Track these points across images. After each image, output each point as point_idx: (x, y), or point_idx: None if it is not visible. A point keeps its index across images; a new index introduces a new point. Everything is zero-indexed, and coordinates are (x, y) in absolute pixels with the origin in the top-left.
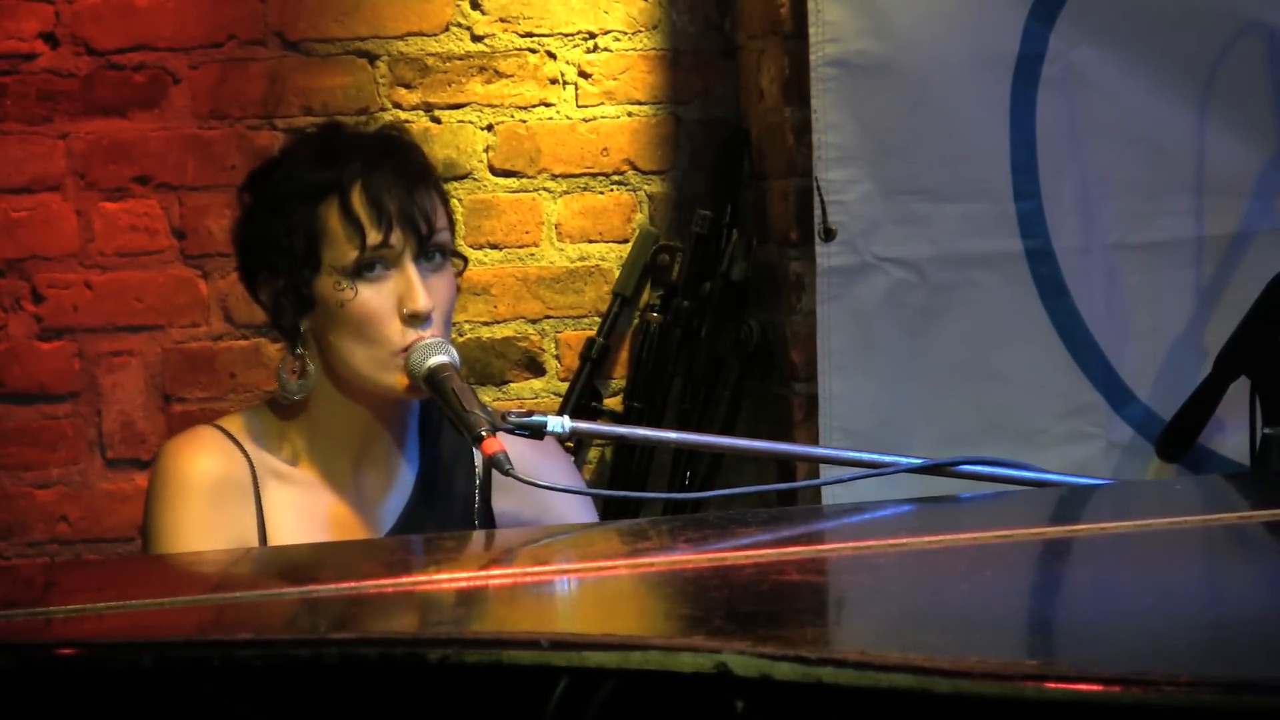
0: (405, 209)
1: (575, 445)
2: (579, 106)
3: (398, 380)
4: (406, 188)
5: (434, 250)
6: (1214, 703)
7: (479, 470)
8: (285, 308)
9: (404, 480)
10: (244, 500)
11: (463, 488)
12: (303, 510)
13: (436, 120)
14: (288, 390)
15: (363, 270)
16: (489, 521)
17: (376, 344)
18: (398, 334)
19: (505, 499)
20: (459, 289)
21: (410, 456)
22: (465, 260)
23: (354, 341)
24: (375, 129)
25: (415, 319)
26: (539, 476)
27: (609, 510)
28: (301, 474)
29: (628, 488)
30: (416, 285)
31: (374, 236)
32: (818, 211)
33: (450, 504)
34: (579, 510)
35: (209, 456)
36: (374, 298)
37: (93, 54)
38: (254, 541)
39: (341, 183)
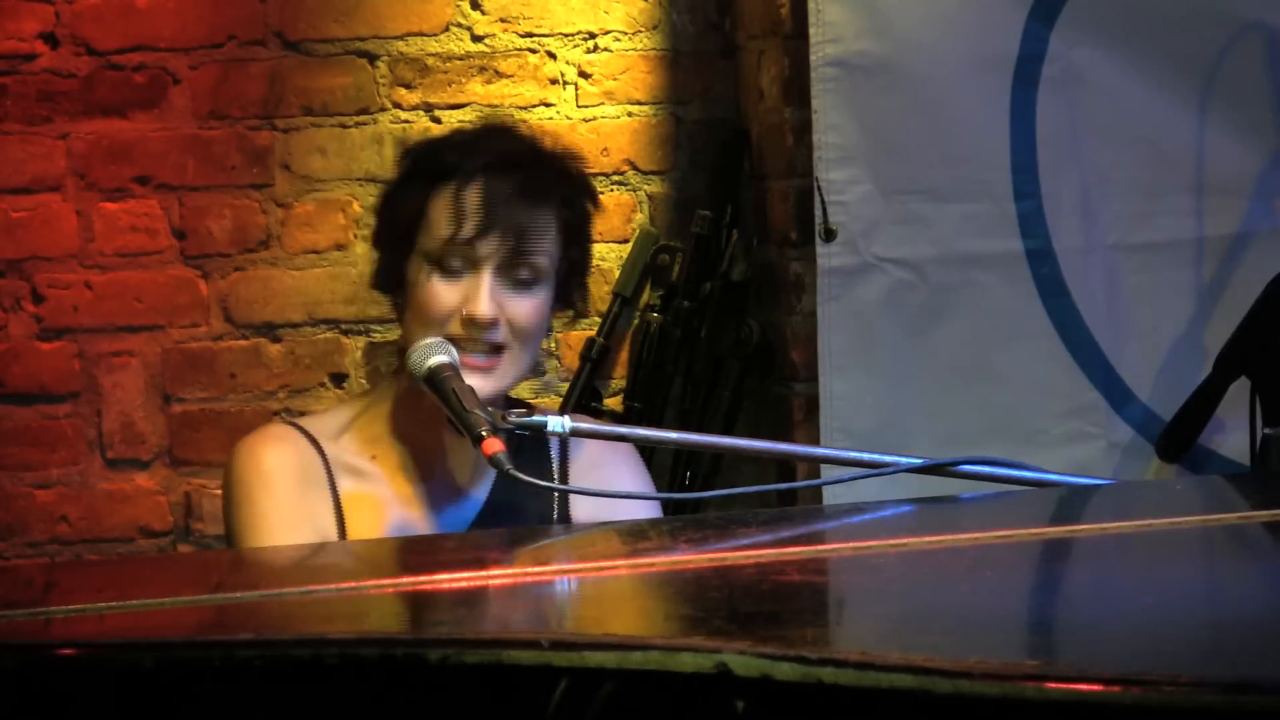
0: (507, 219)
1: None
2: (579, 107)
3: None
4: (520, 205)
5: (524, 269)
6: (1214, 703)
7: (554, 459)
8: (382, 275)
9: (485, 469)
10: (320, 492)
11: (542, 476)
12: (379, 502)
13: (437, 120)
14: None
15: (444, 261)
16: (564, 513)
17: (432, 331)
18: (454, 328)
19: (581, 501)
20: (573, 312)
21: None
22: (585, 298)
23: (416, 324)
24: (538, 143)
25: (472, 324)
26: (605, 474)
27: None
28: (377, 467)
29: None
30: (483, 293)
31: (462, 232)
32: (818, 212)
33: (532, 495)
34: (645, 509)
35: (282, 449)
36: (445, 290)
37: (93, 54)
38: (333, 533)
39: (459, 175)
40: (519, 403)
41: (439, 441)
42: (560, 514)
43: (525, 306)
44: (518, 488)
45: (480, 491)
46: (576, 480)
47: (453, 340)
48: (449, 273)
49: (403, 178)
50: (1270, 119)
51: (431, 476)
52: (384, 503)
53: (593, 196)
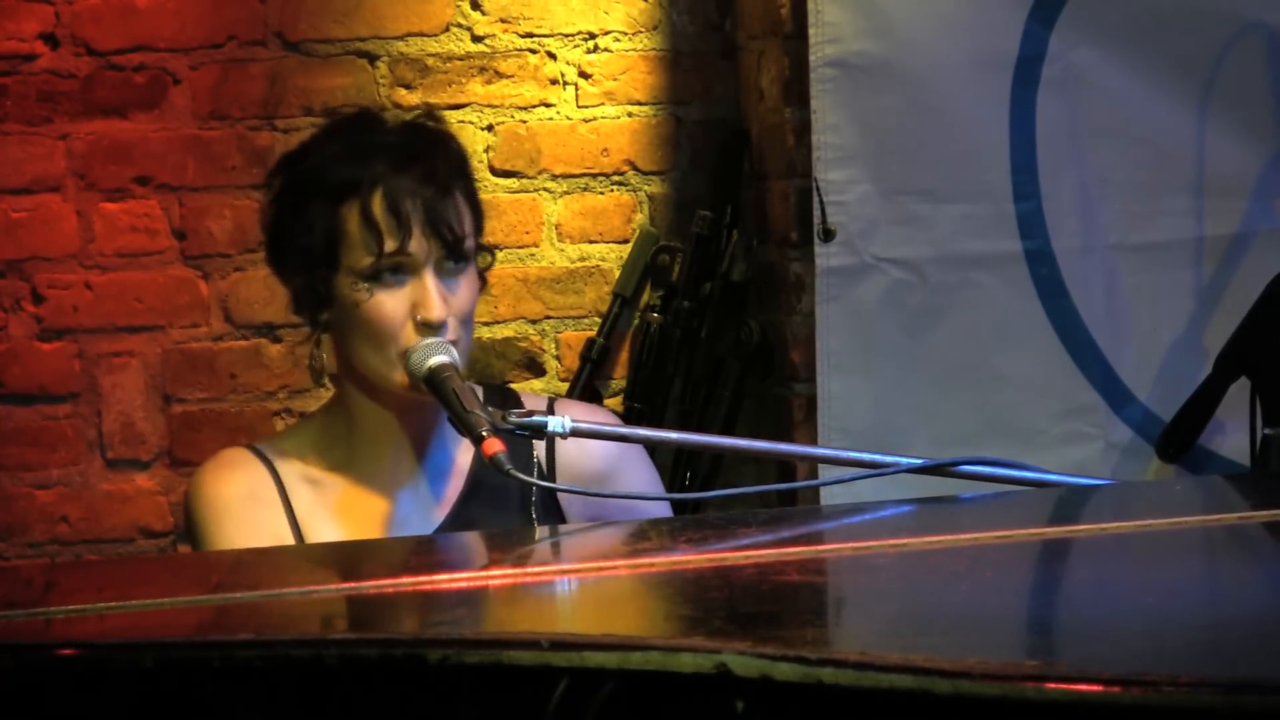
0: (428, 217)
1: None
2: (579, 107)
3: (401, 378)
4: (432, 195)
5: (456, 257)
6: (1214, 703)
7: (539, 460)
8: (304, 300)
9: (454, 473)
10: (272, 509)
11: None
12: (339, 512)
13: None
14: (313, 371)
15: (380, 275)
16: (552, 510)
17: (387, 345)
18: (409, 337)
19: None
20: (485, 283)
21: (457, 449)
22: (493, 254)
23: (364, 341)
24: (407, 120)
25: (428, 327)
26: (609, 473)
27: None
28: (336, 478)
29: None
30: (433, 295)
31: (391, 244)
32: (817, 212)
33: (506, 496)
34: (648, 502)
35: (225, 476)
36: (388, 301)
37: (93, 54)
38: None
39: (362, 187)
40: (505, 389)
41: (392, 454)
42: (542, 516)
43: (463, 290)
44: (517, 484)
45: (444, 494)
46: (565, 471)
47: (406, 349)
48: (388, 284)
49: (294, 200)
50: (1270, 119)
51: (387, 489)
52: (343, 513)
53: (462, 150)
